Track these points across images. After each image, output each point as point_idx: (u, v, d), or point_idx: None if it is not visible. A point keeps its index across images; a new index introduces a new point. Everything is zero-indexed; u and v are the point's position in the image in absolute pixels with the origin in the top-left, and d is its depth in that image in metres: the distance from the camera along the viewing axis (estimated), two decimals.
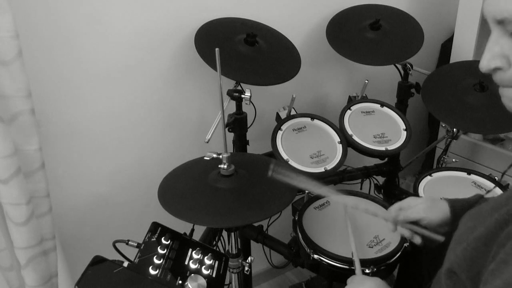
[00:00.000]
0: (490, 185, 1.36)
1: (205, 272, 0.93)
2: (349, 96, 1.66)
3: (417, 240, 0.92)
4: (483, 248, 0.58)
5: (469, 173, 1.41)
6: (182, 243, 0.98)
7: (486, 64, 0.56)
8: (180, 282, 0.88)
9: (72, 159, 1.33)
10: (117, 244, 0.96)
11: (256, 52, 1.34)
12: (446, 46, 2.10)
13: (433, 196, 0.91)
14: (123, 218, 1.50)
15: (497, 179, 1.38)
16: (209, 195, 1.02)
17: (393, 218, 0.93)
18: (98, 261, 0.85)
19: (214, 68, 1.05)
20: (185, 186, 1.08)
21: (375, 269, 1.09)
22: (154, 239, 0.96)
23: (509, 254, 0.52)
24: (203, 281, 0.90)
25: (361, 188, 1.66)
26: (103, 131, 1.35)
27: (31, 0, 1.10)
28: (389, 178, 1.72)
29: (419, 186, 1.38)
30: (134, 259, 0.90)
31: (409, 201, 0.93)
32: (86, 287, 0.81)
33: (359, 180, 1.68)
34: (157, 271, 0.87)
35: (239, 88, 1.31)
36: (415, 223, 0.91)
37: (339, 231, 1.22)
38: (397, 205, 0.93)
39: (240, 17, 1.44)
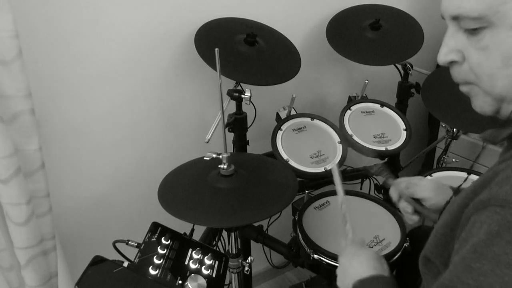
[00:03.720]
0: None
1: (205, 272, 0.93)
2: (349, 96, 1.66)
3: (415, 218, 0.94)
4: (450, 233, 0.61)
5: (469, 173, 1.41)
6: (182, 243, 0.98)
7: (442, 58, 0.60)
8: (180, 282, 0.88)
9: (72, 159, 1.33)
10: (117, 244, 0.96)
11: (256, 52, 1.34)
12: None
13: (441, 182, 0.93)
14: (123, 218, 1.50)
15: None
16: (209, 195, 1.02)
17: (400, 190, 0.94)
18: (98, 261, 0.85)
19: (214, 68, 1.06)
20: (185, 186, 1.08)
21: None
22: (154, 239, 0.96)
23: (467, 232, 0.55)
24: (203, 281, 0.90)
25: (361, 188, 1.66)
26: (103, 131, 1.35)
27: (31, 0, 1.10)
28: None
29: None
30: (134, 259, 0.90)
31: (418, 179, 0.95)
32: (86, 287, 0.81)
33: (359, 180, 1.68)
34: (157, 271, 0.87)
35: (239, 88, 1.31)
36: (418, 201, 0.91)
37: (339, 231, 1.22)
38: (406, 179, 0.95)
39: (240, 17, 1.44)
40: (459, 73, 0.61)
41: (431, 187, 0.91)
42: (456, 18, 0.56)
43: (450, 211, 0.63)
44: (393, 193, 0.97)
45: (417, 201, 0.92)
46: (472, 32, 0.55)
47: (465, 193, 0.61)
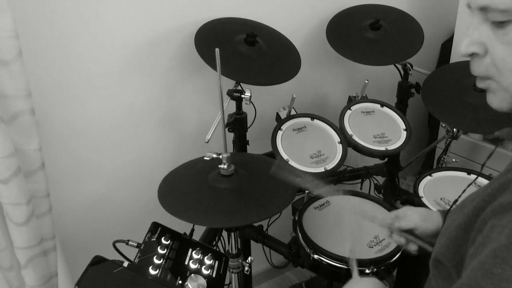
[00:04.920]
0: None
1: (205, 272, 0.93)
2: (349, 96, 1.66)
3: (413, 248, 0.93)
4: (464, 235, 0.60)
5: (469, 173, 1.41)
6: (182, 243, 0.98)
7: (464, 49, 0.58)
8: (180, 282, 0.88)
9: (72, 159, 1.33)
10: (117, 244, 0.96)
11: (256, 52, 1.34)
12: (446, 46, 2.10)
13: (429, 209, 0.93)
14: (123, 218, 1.50)
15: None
16: (209, 195, 1.02)
17: (388, 225, 0.94)
18: (98, 261, 0.85)
19: (214, 68, 1.06)
20: (185, 186, 1.08)
21: (375, 269, 1.10)
22: (154, 239, 0.96)
23: (485, 237, 0.54)
24: (203, 281, 0.90)
25: (361, 188, 1.66)
26: (103, 131, 1.35)
27: (31, 0, 1.10)
28: (389, 178, 1.72)
29: (419, 186, 1.38)
30: (134, 259, 0.90)
31: (405, 210, 0.95)
32: (86, 287, 0.81)
33: (359, 180, 1.68)
34: (157, 271, 0.87)
35: (239, 88, 1.31)
36: (410, 232, 0.92)
37: (339, 231, 1.22)
38: (393, 213, 0.95)
39: (240, 17, 1.44)
40: (479, 67, 0.58)
41: (417, 217, 0.91)
42: (484, 9, 0.54)
43: (464, 214, 0.61)
44: (384, 230, 0.97)
45: (408, 231, 0.92)
46: (499, 25, 0.53)
47: (481, 196, 0.60)
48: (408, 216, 0.92)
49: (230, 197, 1.01)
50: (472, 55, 0.59)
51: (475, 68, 0.59)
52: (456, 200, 0.85)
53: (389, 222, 0.94)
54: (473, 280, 0.51)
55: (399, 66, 1.63)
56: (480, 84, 0.61)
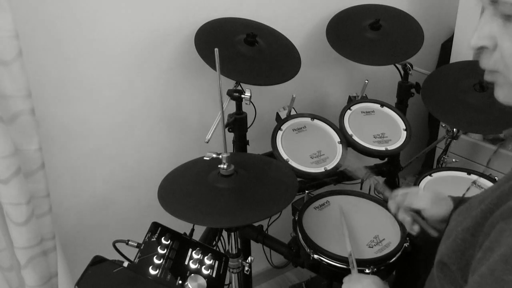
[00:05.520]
0: (490, 185, 1.36)
1: (205, 272, 0.93)
2: (349, 96, 1.66)
3: (415, 229, 0.92)
4: (470, 239, 0.59)
5: (469, 173, 1.41)
6: (182, 243, 0.98)
7: (474, 42, 0.57)
8: (180, 282, 0.88)
9: (72, 159, 1.33)
10: (117, 244, 0.96)
11: (256, 52, 1.34)
12: (446, 46, 2.10)
13: (440, 192, 0.91)
14: (123, 218, 1.50)
15: (497, 179, 1.38)
16: (209, 195, 1.02)
17: (398, 201, 0.93)
18: (98, 261, 0.85)
19: (214, 68, 1.06)
20: (185, 186, 1.08)
21: (375, 269, 1.09)
22: (154, 239, 0.96)
23: (493, 241, 0.53)
24: (203, 281, 0.90)
25: (361, 188, 1.66)
26: (103, 131, 1.35)
27: (31, 0, 1.10)
28: (389, 178, 1.72)
29: (419, 186, 1.38)
30: (134, 259, 0.90)
31: (416, 189, 0.93)
32: (86, 287, 0.81)
33: (359, 180, 1.68)
34: (157, 271, 0.87)
35: (239, 88, 1.31)
36: (416, 212, 0.91)
37: (339, 231, 1.22)
38: (404, 190, 0.94)
39: (240, 17, 1.44)
40: (488, 60, 0.58)
41: (429, 198, 0.89)
42: (494, 2, 0.54)
43: (471, 216, 0.60)
44: (392, 205, 0.96)
45: (415, 212, 0.92)
46: (509, 18, 0.53)
47: (490, 199, 0.59)
48: (420, 196, 0.90)
49: (230, 197, 1.01)
50: (481, 48, 0.58)
51: (484, 61, 0.58)
52: (460, 201, 0.84)
53: (399, 198, 0.93)
54: (482, 287, 0.50)
55: (399, 66, 1.64)
56: (487, 77, 0.60)
